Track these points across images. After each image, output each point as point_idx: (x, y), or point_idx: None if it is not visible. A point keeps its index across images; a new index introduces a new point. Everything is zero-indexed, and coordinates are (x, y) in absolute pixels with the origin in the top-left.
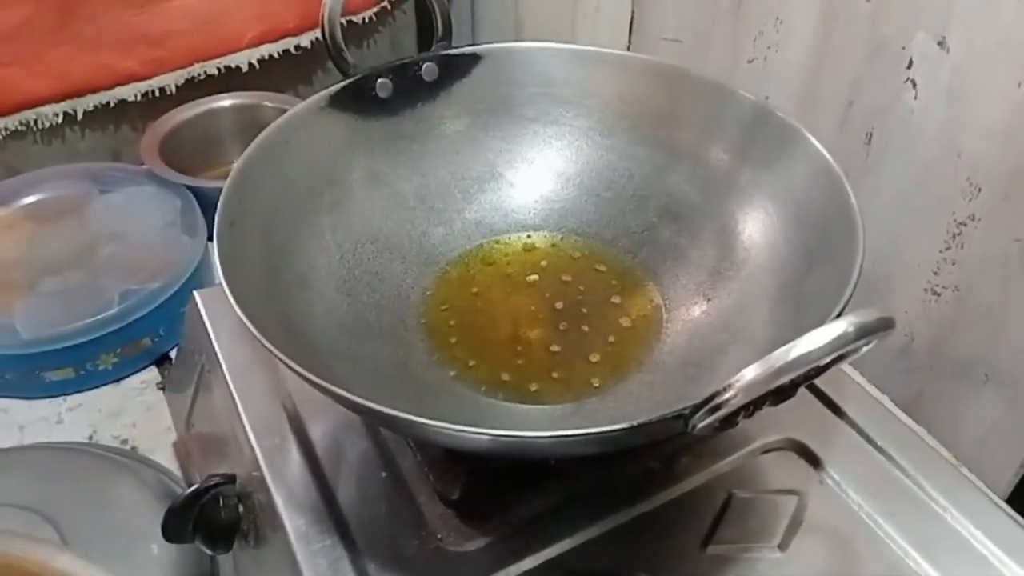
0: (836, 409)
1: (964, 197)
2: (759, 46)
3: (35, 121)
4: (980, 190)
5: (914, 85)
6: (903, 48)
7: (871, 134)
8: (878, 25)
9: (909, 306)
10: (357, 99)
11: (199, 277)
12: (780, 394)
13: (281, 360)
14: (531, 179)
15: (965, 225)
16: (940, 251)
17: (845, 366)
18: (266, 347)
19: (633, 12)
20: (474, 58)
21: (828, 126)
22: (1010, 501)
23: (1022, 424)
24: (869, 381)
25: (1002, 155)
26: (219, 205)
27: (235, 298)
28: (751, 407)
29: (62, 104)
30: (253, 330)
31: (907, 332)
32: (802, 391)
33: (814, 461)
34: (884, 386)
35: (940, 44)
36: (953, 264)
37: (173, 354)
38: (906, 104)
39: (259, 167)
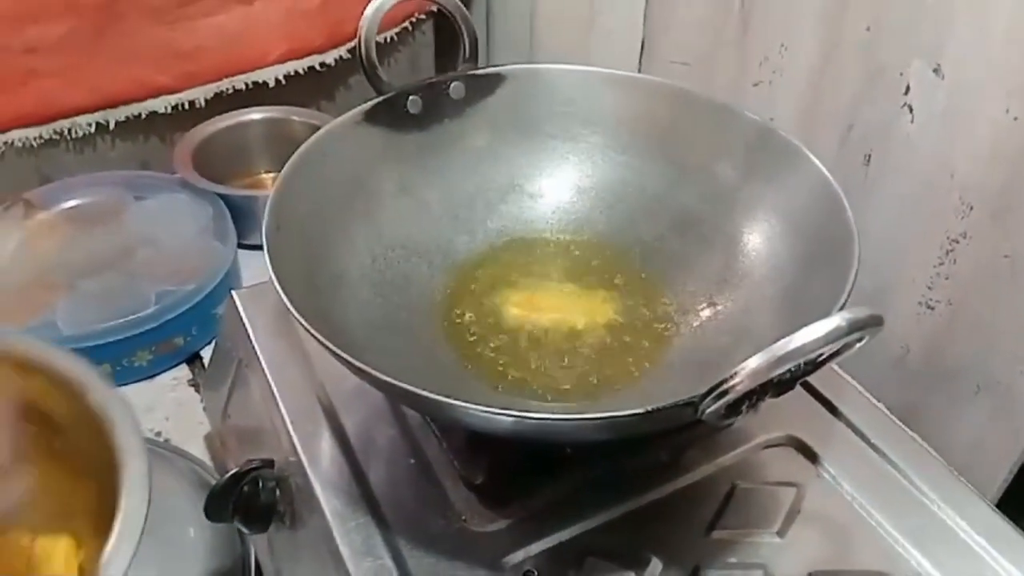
0: (833, 409)
1: (956, 215)
2: (764, 70)
3: (69, 130)
4: (972, 208)
5: (911, 110)
6: (900, 74)
7: (870, 155)
8: (876, 52)
9: (904, 319)
10: (390, 115)
11: (230, 281)
12: (780, 386)
13: (326, 346)
14: (550, 191)
15: (957, 242)
16: (934, 266)
17: (843, 373)
18: (312, 334)
19: (644, 37)
20: (499, 78)
21: (829, 147)
22: (1000, 506)
23: (1012, 432)
24: (865, 391)
25: (991, 176)
26: (267, 209)
27: (285, 293)
28: (754, 397)
29: (95, 115)
30: (301, 320)
31: (902, 344)
32: (802, 393)
33: (812, 456)
34: (880, 396)
35: (935, 71)
36: (946, 279)
37: (205, 353)
38: (903, 127)
39: (301, 176)
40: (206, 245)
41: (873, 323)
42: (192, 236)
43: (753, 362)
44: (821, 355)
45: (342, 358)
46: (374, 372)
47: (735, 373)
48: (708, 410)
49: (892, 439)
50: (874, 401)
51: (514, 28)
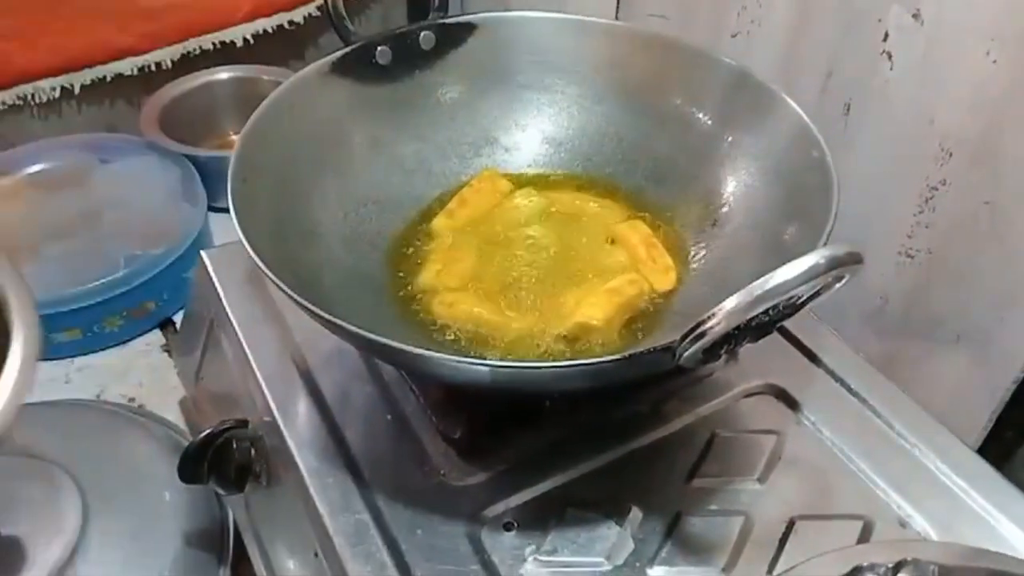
0: (813, 357)
1: (936, 163)
2: (742, 20)
3: (32, 95)
4: (951, 155)
5: (890, 57)
6: (879, 20)
7: (849, 104)
8: None
9: (884, 269)
10: (358, 66)
11: (200, 243)
12: (759, 330)
13: (295, 300)
14: (524, 144)
15: (936, 189)
16: (913, 215)
17: (822, 321)
18: (280, 287)
19: None
20: (469, 27)
21: (809, 97)
22: (981, 453)
23: (991, 381)
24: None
25: (972, 122)
26: (232, 162)
27: (251, 245)
28: (732, 341)
29: (59, 78)
30: (268, 272)
31: (881, 294)
32: (781, 341)
33: (792, 404)
34: (858, 347)
35: (915, 16)
36: (926, 227)
37: (177, 318)
38: (882, 75)
39: (267, 128)
40: (175, 207)
41: (851, 260)
42: (161, 199)
43: (731, 302)
44: (799, 296)
45: (312, 311)
46: (346, 324)
47: (712, 314)
48: (685, 353)
49: (872, 386)
50: (852, 350)
51: None
